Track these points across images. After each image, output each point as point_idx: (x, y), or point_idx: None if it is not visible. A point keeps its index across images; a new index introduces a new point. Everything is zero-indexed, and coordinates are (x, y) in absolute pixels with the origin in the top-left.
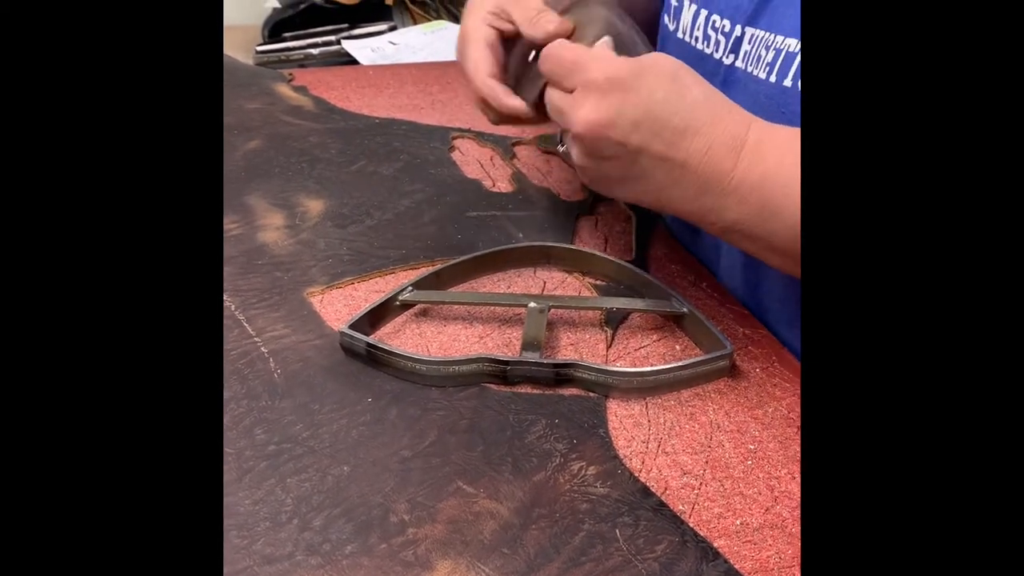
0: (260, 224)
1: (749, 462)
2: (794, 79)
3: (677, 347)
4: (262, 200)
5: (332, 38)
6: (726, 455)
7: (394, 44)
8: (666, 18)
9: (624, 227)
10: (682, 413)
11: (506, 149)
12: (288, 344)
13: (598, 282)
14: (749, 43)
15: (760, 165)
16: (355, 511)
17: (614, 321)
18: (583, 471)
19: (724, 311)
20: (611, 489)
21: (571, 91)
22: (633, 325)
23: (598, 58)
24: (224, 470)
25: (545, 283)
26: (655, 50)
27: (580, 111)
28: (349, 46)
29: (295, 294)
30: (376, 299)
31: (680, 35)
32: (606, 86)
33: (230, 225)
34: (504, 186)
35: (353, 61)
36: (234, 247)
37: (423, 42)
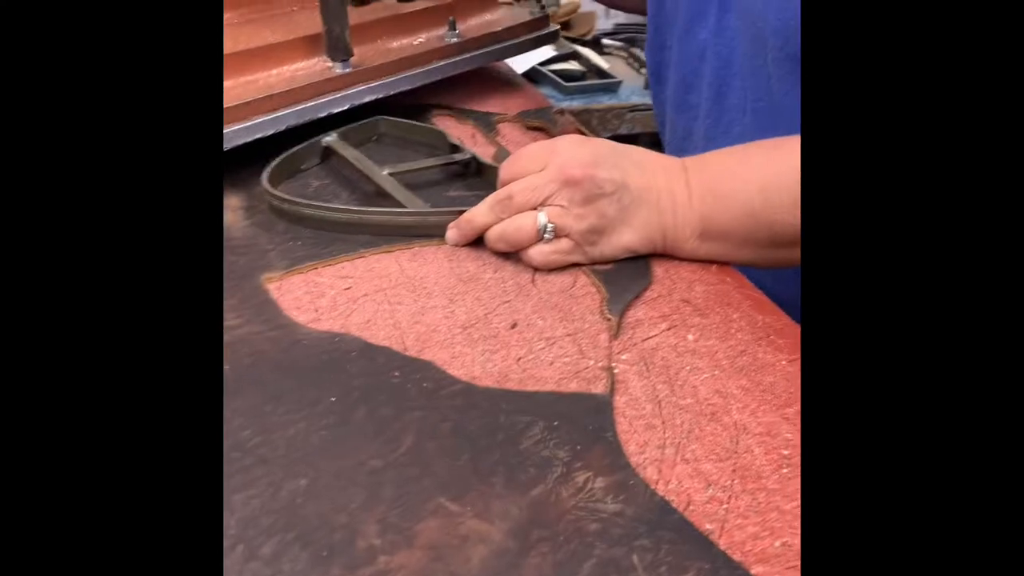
0: None
1: (784, 470)
2: None
3: (689, 337)
4: None
5: None
6: (756, 462)
7: None
8: None
9: None
10: (701, 413)
11: (488, 125)
12: (239, 336)
13: (597, 267)
14: None
15: (703, 164)
16: (313, 535)
17: (617, 309)
18: (590, 483)
19: (740, 297)
20: (624, 505)
21: (540, 169)
22: (639, 315)
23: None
24: None
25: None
26: None
27: (565, 162)
28: None
29: (250, 281)
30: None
31: None
32: (570, 142)
33: None
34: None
35: None
36: None
37: None
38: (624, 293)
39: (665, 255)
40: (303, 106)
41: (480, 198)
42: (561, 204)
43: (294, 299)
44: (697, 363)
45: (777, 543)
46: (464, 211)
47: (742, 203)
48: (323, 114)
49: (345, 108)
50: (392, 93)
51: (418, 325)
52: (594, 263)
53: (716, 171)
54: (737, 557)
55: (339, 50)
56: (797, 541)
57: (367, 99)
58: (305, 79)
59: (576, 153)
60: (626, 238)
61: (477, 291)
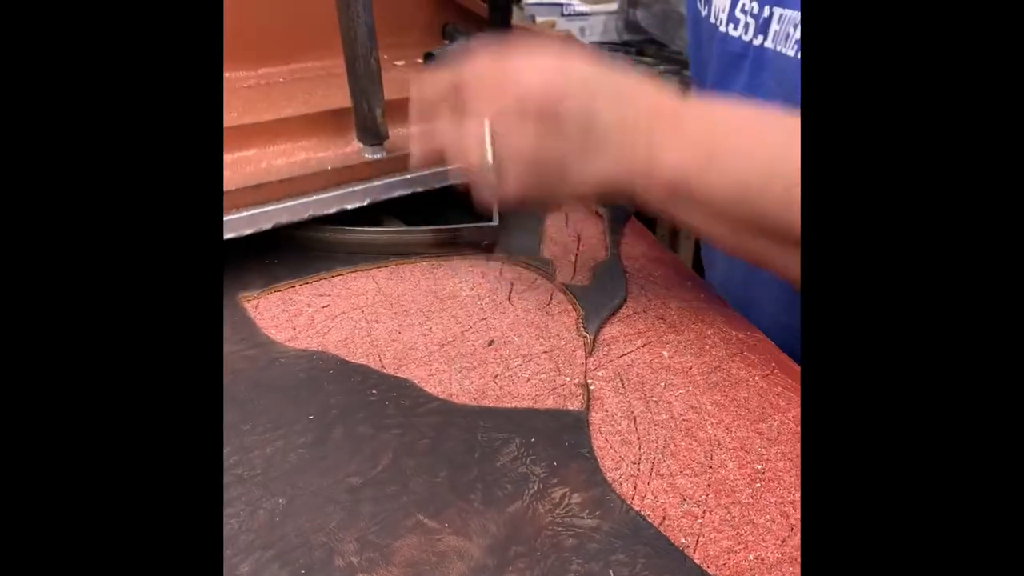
0: None
1: (758, 484)
2: None
3: (664, 353)
4: None
5: None
6: (730, 477)
7: None
8: (699, 3)
9: (596, 223)
10: (676, 428)
11: None
12: None
13: (573, 284)
14: (777, 23)
15: (707, 111)
16: (292, 553)
17: (594, 326)
18: (566, 499)
19: (713, 313)
20: (601, 520)
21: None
22: (614, 331)
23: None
24: None
25: (513, 284)
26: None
27: (527, 74)
28: None
29: (227, 299)
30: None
31: (712, 20)
32: (541, 51)
33: None
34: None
35: None
36: None
37: None
38: (600, 310)
39: (640, 269)
40: (305, 200)
41: (455, 213)
42: (511, 131)
43: (272, 317)
44: (672, 379)
45: (751, 556)
46: (441, 229)
47: (739, 172)
48: (331, 210)
49: (363, 204)
50: (436, 187)
51: (395, 343)
52: (551, 203)
53: (723, 129)
54: (712, 571)
55: (369, 132)
56: (770, 554)
57: (396, 194)
58: (317, 165)
59: (541, 65)
60: (589, 173)
61: (454, 308)
